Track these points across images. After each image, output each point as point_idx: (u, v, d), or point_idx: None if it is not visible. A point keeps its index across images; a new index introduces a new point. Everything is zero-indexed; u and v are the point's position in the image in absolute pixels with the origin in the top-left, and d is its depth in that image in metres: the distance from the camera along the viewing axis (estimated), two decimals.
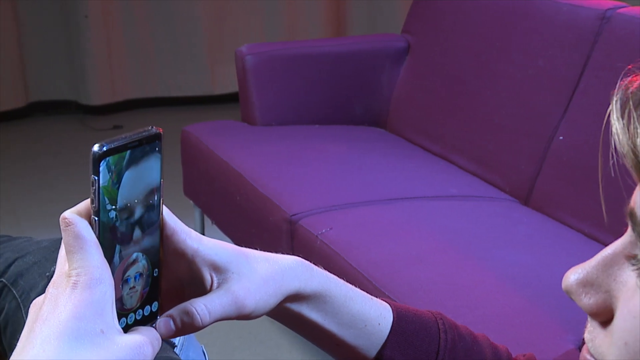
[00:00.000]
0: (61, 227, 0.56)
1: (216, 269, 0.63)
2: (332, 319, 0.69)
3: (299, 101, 2.58)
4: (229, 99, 4.41)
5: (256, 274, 0.64)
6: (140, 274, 0.60)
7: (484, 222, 1.84)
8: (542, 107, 2.05)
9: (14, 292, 1.01)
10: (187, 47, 4.42)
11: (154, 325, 0.61)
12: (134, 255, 0.59)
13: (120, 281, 0.58)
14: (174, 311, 0.61)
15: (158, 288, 0.61)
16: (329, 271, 1.84)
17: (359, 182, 2.07)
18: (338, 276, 1.81)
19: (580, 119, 1.94)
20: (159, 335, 0.60)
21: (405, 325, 0.72)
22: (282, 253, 2.13)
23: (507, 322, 1.45)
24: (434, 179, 2.12)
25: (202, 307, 0.61)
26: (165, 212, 0.61)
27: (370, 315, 0.71)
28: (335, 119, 2.59)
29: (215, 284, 0.63)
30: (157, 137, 0.57)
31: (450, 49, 2.38)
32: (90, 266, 0.55)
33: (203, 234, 2.37)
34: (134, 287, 0.59)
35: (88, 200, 0.56)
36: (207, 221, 2.42)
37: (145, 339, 0.57)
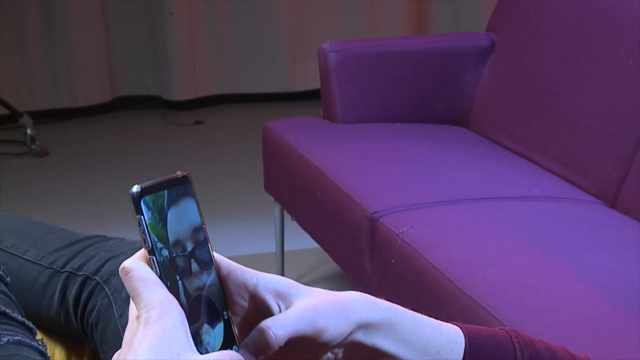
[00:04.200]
0: (122, 278, 0.59)
1: (280, 295, 0.63)
2: (405, 347, 0.67)
3: (381, 99, 2.58)
4: (308, 96, 4.43)
5: (319, 295, 0.64)
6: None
7: (568, 224, 1.81)
8: (631, 107, 2.00)
9: (107, 290, 1.04)
10: (268, 44, 4.46)
11: None
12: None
13: (194, 334, 0.59)
14: (246, 339, 0.61)
15: (233, 332, 0.62)
16: (410, 270, 1.83)
17: (440, 181, 2.06)
18: (419, 275, 1.79)
19: None
20: (239, 355, 0.60)
21: (478, 350, 0.69)
22: (363, 251, 2.12)
23: (591, 326, 1.42)
24: (517, 180, 2.09)
25: (272, 321, 0.61)
26: (217, 255, 0.63)
27: (441, 341, 0.68)
28: (417, 118, 2.58)
29: (283, 310, 0.63)
30: (185, 180, 0.60)
31: (536, 48, 2.35)
32: (156, 300, 0.57)
33: (283, 230, 2.38)
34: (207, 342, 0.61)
35: (143, 249, 0.59)
36: (287, 217, 2.44)
37: (224, 354, 0.58)
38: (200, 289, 0.60)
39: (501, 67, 2.48)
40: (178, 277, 0.59)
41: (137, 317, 0.57)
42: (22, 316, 0.94)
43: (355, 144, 2.31)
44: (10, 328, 0.90)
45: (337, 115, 2.53)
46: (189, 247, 0.60)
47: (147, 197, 0.58)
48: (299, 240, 2.65)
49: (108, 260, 1.07)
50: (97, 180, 3.56)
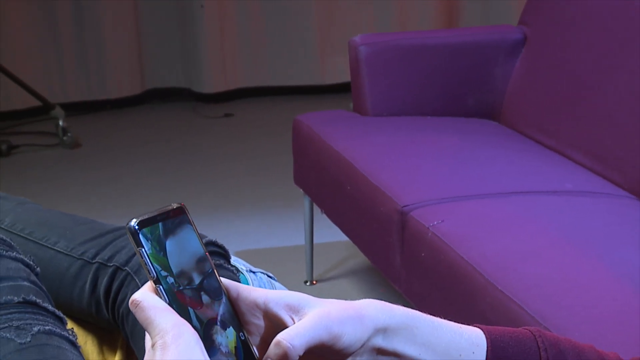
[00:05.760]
0: (132, 310, 0.60)
1: (292, 308, 0.63)
2: (426, 351, 0.66)
3: (411, 92, 2.56)
4: (338, 89, 4.42)
5: (332, 304, 0.64)
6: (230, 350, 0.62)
7: (601, 219, 1.79)
8: None
9: (137, 281, 1.05)
10: (299, 37, 4.46)
11: None
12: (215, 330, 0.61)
13: (207, 338, 0.61)
14: (265, 355, 0.62)
15: (252, 352, 0.63)
16: (440, 264, 1.81)
17: (472, 174, 2.04)
18: (449, 269, 1.78)
19: None
20: None
21: (501, 351, 0.68)
22: (393, 245, 2.10)
23: (625, 322, 1.40)
24: (549, 174, 2.07)
25: (287, 333, 0.61)
26: (224, 279, 0.63)
27: (462, 344, 0.67)
28: (447, 111, 2.56)
29: (297, 322, 0.63)
30: (181, 211, 0.62)
31: (569, 41, 2.32)
32: (169, 325, 0.58)
33: (312, 223, 2.37)
34: None
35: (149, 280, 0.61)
36: (317, 210, 2.44)
37: None
38: (212, 316, 0.61)
39: (533, 60, 2.46)
40: (187, 303, 0.60)
41: (153, 345, 0.58)
42: (53, 306, 0.94)
43: (385, 137, 2.30)
44: (41, 318, 0.90)
45: (368, 108, 2.52)
46: (196, 279, 0.61)
47: (144, 229, 0.60)
48: (329, 233, 2.64)
49: None
50: (128, 172, 3.58)
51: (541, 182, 2.01)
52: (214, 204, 3.17)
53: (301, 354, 0.61)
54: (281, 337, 0.60)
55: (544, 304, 1.45)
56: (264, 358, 0.61)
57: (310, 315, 0.62)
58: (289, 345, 0.60)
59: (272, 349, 0.61)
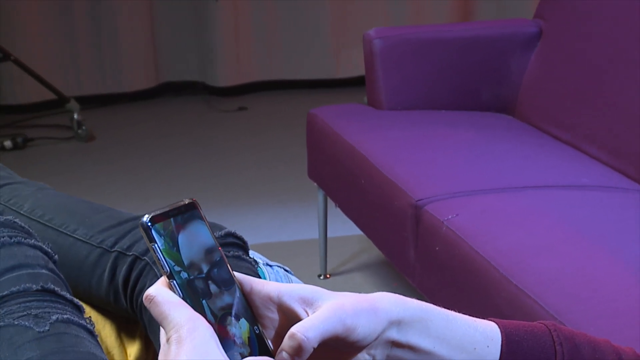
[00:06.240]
0: (146, 306, 0.61)
1: (305, 301, 0.63)
2: (440, 344, 0.66)
3: (426, 86, 2.56)
4: (352, 83, 4.42)
5: (346, 297, 0.64)
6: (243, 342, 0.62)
7: (617, 213, 1.78)
8: None
9: (156, 270, 1.05)
10: (313, 31, 4.45)
11: None
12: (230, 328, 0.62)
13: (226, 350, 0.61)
14: (280, 348, 0.62)
15: (266, 345, 0.63)
16: (454, 258, 1.81)
17: (486, 168, 2.04)
18: (464, 263, 1.78)
19: None
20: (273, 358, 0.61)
21: (515, 345, 0.68)
22: (407, 239, 2.09)
23: None
24: (564, 168, 2.06)
25: (301, 325, 0.61)
26: (237, 273, 0.64)
27: (476, 337, 0.67)
28: (462, 105, 2.56)
29: (310, 315, 0.63)
30: (193, 206, 0.63)
31: (585, 34, 2.31)
32: (183, 319, 0.59)
33: (326, 217, 2.37)
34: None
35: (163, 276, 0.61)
36: (330, 204, 2.44)
37: (258, 359, 0.60)
38: (225, 309, 0.62)
39: (549, 54, 2.45)
40: (201, 297, 0.61)
41: (168, 340, 0.59)
42: (71, 294, 0.95)
43: (399, 131, 2.30)
44: (59, 306, 0.91)
45: (382, 102, 2.52)
46: (205, 269, 0.62)
47: (157, 225, 0.60)
48: (342, 227, 2.64)
49: None
50: (142, 165, 3.59)
51: (556, 177, 2.00)
52: (227, 198, 3.18)
53: (315, 346, 0.61)
54: (295, 329, 0.61)
55: (559, 299, 1.45)
56: (278, 351, 0.61)
57: (324, 308, 0.62)
58: (303, 337, 0.60)
59: (286, 342, 0.61)
